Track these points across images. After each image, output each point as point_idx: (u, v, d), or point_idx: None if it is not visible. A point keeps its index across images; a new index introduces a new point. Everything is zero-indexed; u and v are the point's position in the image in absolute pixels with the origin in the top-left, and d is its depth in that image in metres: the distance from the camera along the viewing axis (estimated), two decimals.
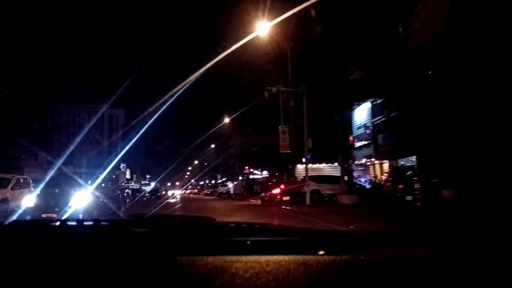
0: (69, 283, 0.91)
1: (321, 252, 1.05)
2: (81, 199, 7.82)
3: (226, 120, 37.40)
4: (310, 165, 28.67)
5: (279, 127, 17.41)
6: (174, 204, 24.01)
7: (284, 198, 17.11)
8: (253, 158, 49.68)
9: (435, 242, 1.20)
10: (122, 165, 46.08)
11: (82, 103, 60.00)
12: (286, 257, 0.97)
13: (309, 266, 0.92)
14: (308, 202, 15.19)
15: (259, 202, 21.62)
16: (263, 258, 0.96)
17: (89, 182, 8.17)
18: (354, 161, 19.40)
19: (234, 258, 0.97)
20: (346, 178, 21.41)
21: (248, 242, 1.15)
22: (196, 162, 67.00)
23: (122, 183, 37.45)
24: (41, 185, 8.65)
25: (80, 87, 62.12)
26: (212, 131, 34.02)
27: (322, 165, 27.25)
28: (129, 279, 0.92)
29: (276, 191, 17.45)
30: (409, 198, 11.49)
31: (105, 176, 10.27)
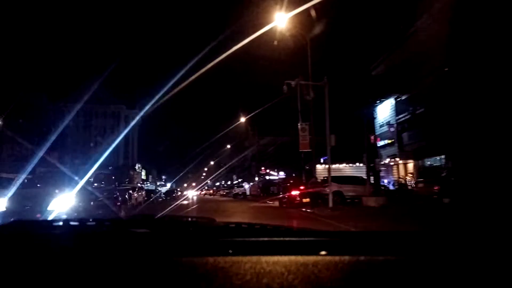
0: (67, 283, 0.91)
1: (323, 253, 1.02)
2: (65, 202, 6.61)
3: (242, 119, 36.56)
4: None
5: (299, 124, 16.29)
6: (189, 205, 23.23)
7: (304, 200, 16.03)
8: (269, 159, 48.98)
9: (444, 243, 1.14)
10: (137, 166, 45.72)
11: (100, 104, 60.18)
12: (287, 258, 0.96)
13: (310, 267, 0.92)
14: (330, 204, 14.06)
15: (276, 204, 20.61)
16: (263, 259, 0.96)
17: (74, 181, 6.87)
18: (380, 160, 18.13)
19: (235, 258, 0.96)
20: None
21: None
22: (212, 163, 66.69)
23: (137, 183, 36.93)
24: (15, 185, 7.28)
25: (97, 89, 62.41)
26: (228, 129, 33.24)
27: (342, 165, 25.96)
28: (129, 279, 0.92)
29: (296, 192, 16.37)
30: (447, 200, 10.30)
31: (101, 175, 9.09)
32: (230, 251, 1.07)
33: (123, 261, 1.01)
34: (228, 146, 56.61)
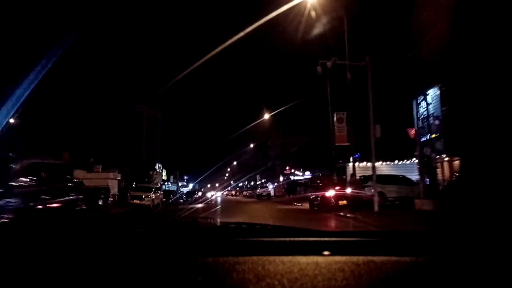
0: (69, 281, 0.91)
1: (326, 253, 1.01)
2: None
3: (266, 116, 34.50)
4: (363, 164, 25.05)
5: (334, 113, 13.94)
6: (210, 207, 21.32)
7: (340, 203, 13.76)
8: (295, 158, 47.28)
9: (449, 245, 1.11)
10: (158, 165, 44.46)
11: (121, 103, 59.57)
12: (288, 258, 0.94)
13: (312, 267, 0.90)
14: (376, 208, 11.72)
15: (306, 206, 18.42)
16: (264, 259, 0.94)
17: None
18: (436, 154, 15.58)
19: (235, 259, 0.94)
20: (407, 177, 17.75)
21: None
22: (234, 163, 65.52)
23: (157, 183, 35.43)
24: None
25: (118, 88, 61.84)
26: (252, 125, 31.29)
27: (378, 164, 23.36)
28: (127, 278, 0.91)
29: (330, 193, 14.09)
30: None
31: (34, 165, 6.20)
32: (230, 252, 1.03)
33: (120, 260, 0.98)
34: (251, 145, 54.80)
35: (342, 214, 12.37)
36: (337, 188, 14.30)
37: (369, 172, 21.47)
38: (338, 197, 13.83)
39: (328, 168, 33.19)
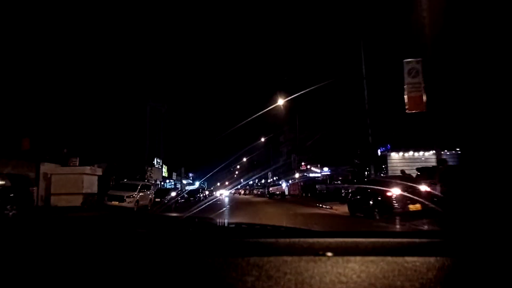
0: (71, 280, 0.91)
1: (329, 254, 0.99)
2: None
3: (280, 102, 29.60)
4: (408, 154, 19.97)
5: (404, 62, 8.67)
6: (214, 210, 16.41)
7: (411, 208, 8.71)
8: (310, 153, 42.68)
9: (453, 249, 1.05)
10: (156, 160, 39.80)
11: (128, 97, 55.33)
12: (287, 258, 0.93)
13: (314, 267, 0.90)
14: None
15: (340, 209, 13.50)
16: (265, 260, 0.93)
17: None
18: None
19: (235, 260, 0.94)
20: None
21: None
22: (244, 159, 61.35)
23: (155, 180, 30.62)
24: None
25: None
26: (264, 111, 26.32)
27: (429, 154, 18.31)
28: (126, 278, 0.90)
29: (395, 192, 8.98)
30: None
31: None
32: (230, 252, 1.02)
33: (117, 260, 0.98)
34: (262, 139, 50.06)
35: (425, 227, 7.31)
36: (404, 184, 9.13)
37: (408, 165, 16.48)
38: (406, 199, 8.74)
39: (350, 164, 28.43)
